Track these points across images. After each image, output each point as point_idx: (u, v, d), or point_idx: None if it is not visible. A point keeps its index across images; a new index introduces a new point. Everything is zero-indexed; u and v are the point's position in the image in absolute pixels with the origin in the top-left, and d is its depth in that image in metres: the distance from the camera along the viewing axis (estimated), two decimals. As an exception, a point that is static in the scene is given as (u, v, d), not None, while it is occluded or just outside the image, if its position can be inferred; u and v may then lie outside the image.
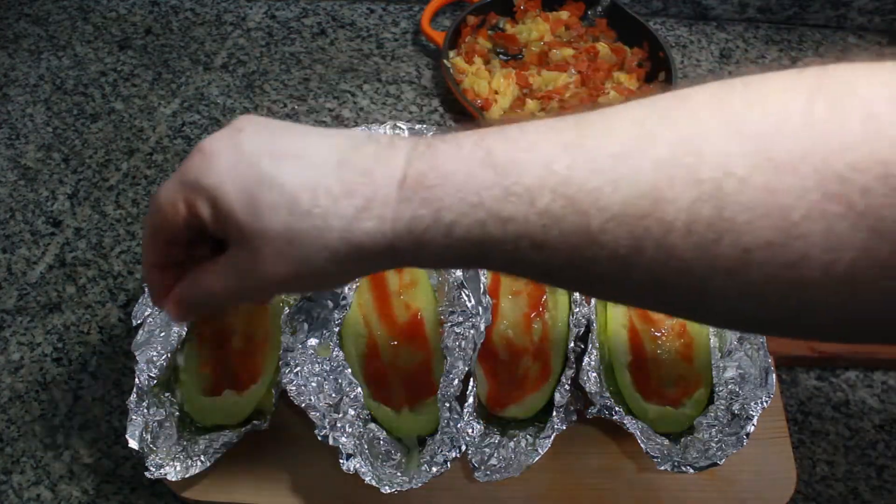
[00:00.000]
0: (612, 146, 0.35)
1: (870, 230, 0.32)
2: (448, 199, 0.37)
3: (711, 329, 0.66)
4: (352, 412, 0.59)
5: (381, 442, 0.60)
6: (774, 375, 0.60)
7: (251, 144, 0.41)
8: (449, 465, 0.57)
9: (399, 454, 0.59)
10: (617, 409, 0.59)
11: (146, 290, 0.64)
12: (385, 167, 0.39)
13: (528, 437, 0.61)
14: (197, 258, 0.45)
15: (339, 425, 0.57)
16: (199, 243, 0.45)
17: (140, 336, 0.61)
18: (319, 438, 0.56)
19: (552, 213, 0.35)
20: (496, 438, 0.61)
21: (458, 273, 0.64)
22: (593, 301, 0.65)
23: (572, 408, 0.60)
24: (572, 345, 0.62)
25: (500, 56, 0.94)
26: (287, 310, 0.66)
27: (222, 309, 0.45)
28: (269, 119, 0.43)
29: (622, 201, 0.34)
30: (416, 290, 0.68)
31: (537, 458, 0.57)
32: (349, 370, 0.62)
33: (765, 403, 0.58)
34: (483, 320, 0.62)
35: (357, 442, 0.57)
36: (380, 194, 0.38)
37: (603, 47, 0.92)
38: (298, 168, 0.39)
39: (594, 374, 0.60)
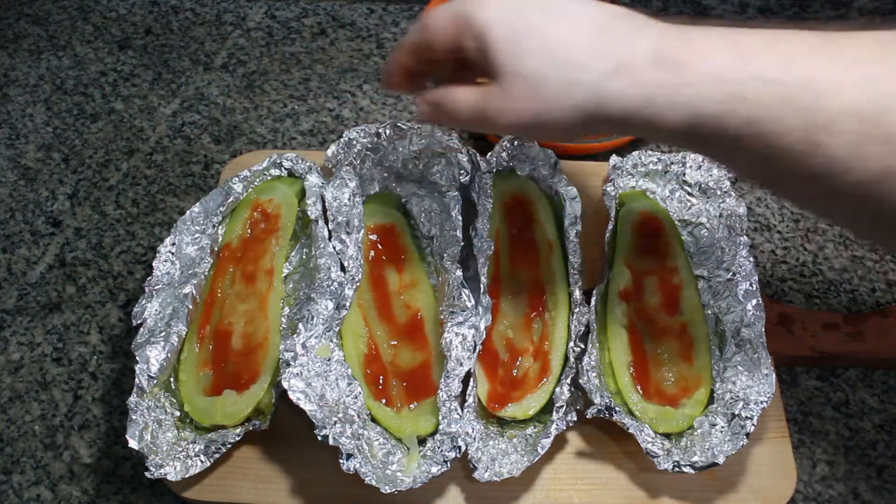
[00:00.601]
0: (854, 54, 0.38)
1: None
2: (692, 74, 0.41)
3: (711, 329, 0.66)
4: (352, 412, 0.59)
5: (381, 442, 0.60)
6: (774, 375, 0.60)
7: None
8: (449, 465, 0.57)
9: (399, 454, 0.59)
10: (617, 409, 0.59)
11: (146, 290, 0.64)
12: (639, 38, 0.44)
13: (528, 437, 0.61)
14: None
15: (339, 425, 0.57)
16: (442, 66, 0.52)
17: (140, 336, 0.61)
18: (319, 438, 0.56)
19: (785, 103, 0.38)
20: (496, 438, 0.61)
21: (458, 273, 0.64)
22: (593, 301, 0.65)
23: (572, 408, 0.60)
24: (572, 345, 0.62)
25: (501, 56, 0.94)
26: (287, 310, 0.66)
27: (458, 126, 0.56)
28: None
29: (854, 102, 0.37)
30: (416, 290, 0.68)
31: (537, 459, 0.57)
32: (349, 370, 0.62)
33: (765, 403, 0.58)
34: (483, 320, 0.62)
35: (357, 442, 0.57)
36: (631, 60, 0.43)
37: (603, 47, 0.92)
38: (561, 24, 0.45)
39: (594, 374, 0.60)
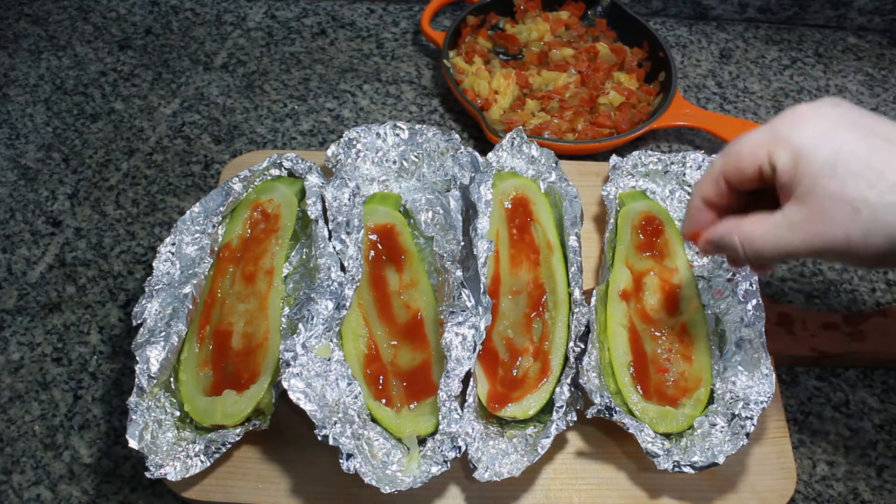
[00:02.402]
0: None
1: None
2: None
3: (711, 329, 0.66)
4: (352, 412, 0.59)
5: (381, 442, 0.60)
6: (774, 375, 0.60)
7: (844, 117, 0.45)
8: (449, 465, 0.57)
9: (399, 454, 0.59)
10: (617, 409, 0.59)
11: (146, 290, 0.64)
12: None
13: (528, 437, 0.61)
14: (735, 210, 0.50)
15: (339, 425, 0.57)
16: (747, 200, 0.50)
17: (140, 336, 0.61)
18: (319, 438, 0.56)
19: None
20: (496, 438, 0.61)
21: (458, 273, 0.64)
22: (593, 301, 0.65)
23: (572, 408, 0.60)
24: (572, 345, 0.62)
25: (500, 56, 0.94)
26: (287, 310, 0.66)
27: (756, 259, 0.51)
28: (855, 105, 0.47)
29: None
30: (416, 290, 0.68)
31: (537, 458, 0.57)
32: (349, 370, 0.62)
33: (765, 403, 0.58)
34: (483, 320, 0.62)
35: (357, 442, 0.57)
36: None
37: (603, 47, 0.92)
38: (887, 147, 0.43)
39: (594, 374, 0.60)
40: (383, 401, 0.62)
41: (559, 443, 0.62)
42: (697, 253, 0.67)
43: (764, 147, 0.47)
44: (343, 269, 0.65)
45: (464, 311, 0.62)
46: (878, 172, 0.42)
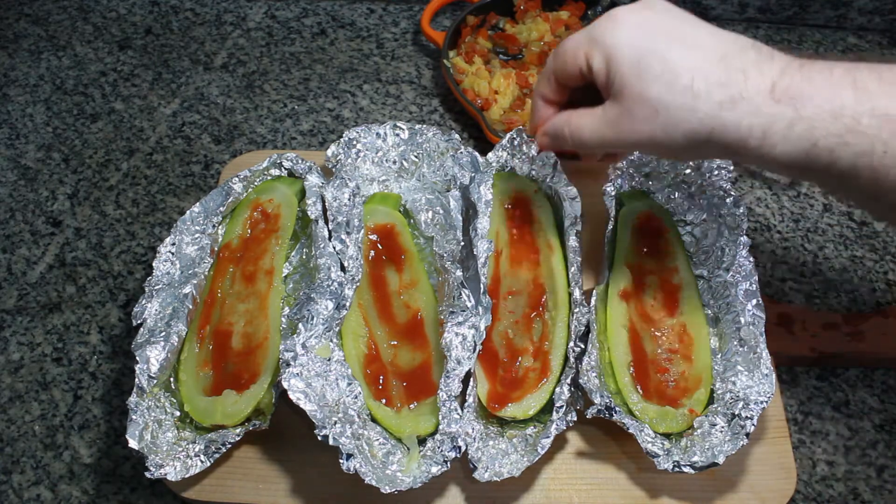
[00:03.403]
0: None
1: None
2: (808, 109, 0.43)
3: (711, 329, 0.66)
4: (352, 412, 0.59)
5: (381, 442, 0.60)
6: (774, 375, 0.60)
7: (653, 21, 0.49)
8: (449, 465, 0.57)
9: (399, 454, 0.59)
10: (617, 409, 0.59)
11: (146, 290, 0.64)
12: (759, 72, 0.45)
13: (528, 437, 0.61)
14: (574, 104, 0.55)
15: (339, 425, 0.57)
16: (580, 93, 0.54)
17: (140, 336, 0.61)
18: (319, 438, 0.56)
19: None
20: (496, 438, 0.61)
21: (458, 273, 0.64)
22: (593, 301, 0.65)
23: (572, 408, 0.60)
24: (572, 345, 0.62)
25: (500, 56, 0.94)
26: (287, 310, 0.66)
27: (580, 149, 0.58)
28: (672, 5, 0.51)
29: None
30: (416, 290, 0.68)
31: (537, 458, 0.57)
32: (349, 370, 0.62)
33: (765, 403, 0.58)
34: (483, 320, 0.62)
35: (357, 442, 0.57)
36: (749, 93, 0.45)
37: (603, 47, 0.92)
38: (687, 52, 0.47)
39: (594, 374, 0.60)
40: (383, 401, 0.62)
41: (559, 443, 0.62)
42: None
43: (582, 49, 0.51)
44: (343, 269, 0.65)
45: (464, 311, 0.62)
46: (674, 75, 0.46)
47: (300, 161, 0.73)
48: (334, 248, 0.65)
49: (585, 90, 0.55)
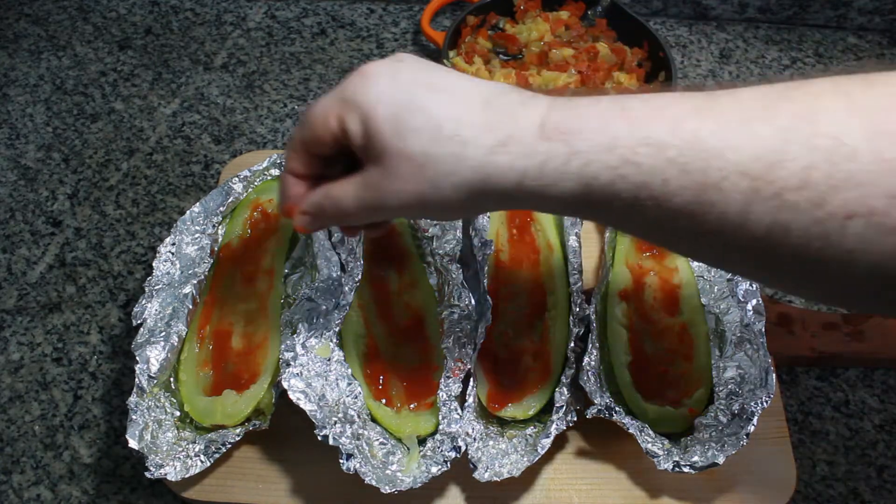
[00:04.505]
0: (738, 113, 0.38)
1: None
2: (583, 143, 0.40)
3: (711, 329, 0.66)
4: (352, 412, 0.59)
5: (381, 442, 0.60)
6: (774, 375, 0.60)
7: (408, 74, 0.45)
8: (449, 465, 0.57)
9: (399, 454, 0.59)
10: (617, 409, 0.59)
11: (146, 290, 0.64)
12: (527, 110, 0.42)
13: (528, 437, 0.61)
14: (330, 176, 0.49)
15: (339, 425, 0.57)
16: (335, 163, 0.49)
17: (140, 336, 0.61)
18: (319, 438, 0.56)
19: (676, 165, 0.38)
20: (496, 438, 0.61)
21: (458, 273, 0.64)
22: (593, 301, 0.65)
23: (572, 408, 0.60)
24: (572, 345, 0.62)
25: (500, 56, 0.94)
26: (287, 310, 0.66)
27: (345, 222, 0.52)
28: (425, 59, 0.47)
29: (740, 161, 0.37)
30: (416, 290, 0.68)
31: (537, 458, 0.57)
32: (349, 370, 0.62)
33: (765, 403, 0.58)
34: (483, 320, 0.62)
35: (357, 442, 0.57)
36: (519, 132, 0.42)
37: (603, 47, 0.92)
38: (447, 101, 0.44)
39: (594, 374, 0.60)
40: (383, 401, 0.62)
41: (559, 443, 0.62)
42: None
43: (334, 113, 0.46)
44: (343, 269, 0.65)
45: (463, 311, 0.62)
46: (437, 125, 0.43)
47: (300, 161, 0.73)
48: (334, 248, 0.65)
49: (340, 159, 0.50)
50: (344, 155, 0.48)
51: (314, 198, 0.49)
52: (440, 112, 0.43)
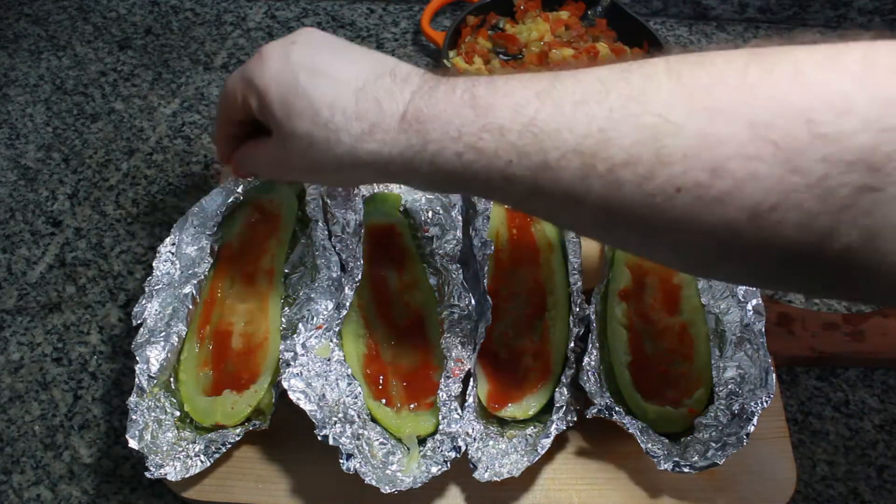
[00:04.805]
0: (575, 95, 0.41)
1: (792, 171, 0.35)
2: (434, 133, 0.44)
3: (711, 329, 0.66)
4: (352, 412, 0.59)
5: (381, 442, 0.60)
6: (774, 375, 0.60)
7: (297, 56, 0.49)
8: (449, 465, 0.57)
9: (399, 454, 0.59)
10: (617, 409, 0.59)
11: (146, 290, 0.64)
12: (392, 100, 0.46)
13: (528, 437, 0.61)
14: (254, 133, 0.56)
15: (339, 425, 0.57)
16: (254, 123, 0.55)
17: (140, 336, 0.61)
18: (319, 438, 0.56)
19: (518, 148, 0.42)
20: (496, 438, 0.61)
21: (458, 273, 0.64)
22: (593, 301, 0.65)
23: (572, 408, 0.60)
24: (572, 345, 0.62)
25: (500, 56, 0.94)
26: (287, 310, 0.66)
27: (266, 178, 0.62)
28: (322, 34, 0.52)
29: (575, 140, 0.40)
30: (416, 290, 0.68)
31: (537, 458, 0.57)
32: (349, 370, 0.62)
33: (765, 403, 0.58)
34: (483, 320, 0.62)
35: (357, 442, 0.57)
36: (383, 122, 0.46)
37: (603, 47, 0.92)
38: (326, 86, 0.48)
39: (594, 374, 0.60)
40: (383, 401, 0.62)
41: (559, 443, 0.62)
42: None
43: (239, 91, 0.52)
44: (343, 269, 0.65)
45: (464, 311, 0.62)
46: (315, 111, 0.47)
47: (300, 161, 0.73)
48: (334, 248, 0.65)
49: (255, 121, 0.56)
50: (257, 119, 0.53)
51: (240, 155, 0.58)
52: (319, 98, 0.47)
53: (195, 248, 0.67)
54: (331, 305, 0.62)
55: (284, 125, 0.49)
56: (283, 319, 0.65)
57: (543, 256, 0.70)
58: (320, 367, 0.60)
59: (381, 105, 0.46)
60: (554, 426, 0.58)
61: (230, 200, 0.70)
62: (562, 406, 0.59)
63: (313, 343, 0.60)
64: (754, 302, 0.63)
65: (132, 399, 0.58)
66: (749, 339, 0.62)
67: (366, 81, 0.48)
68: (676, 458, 0.57)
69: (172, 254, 0.66)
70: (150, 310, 0.63)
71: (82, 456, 0.65)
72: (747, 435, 0.57)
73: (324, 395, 0.58)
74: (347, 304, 0.63)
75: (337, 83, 0.48)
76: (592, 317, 0.64)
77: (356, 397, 0.60)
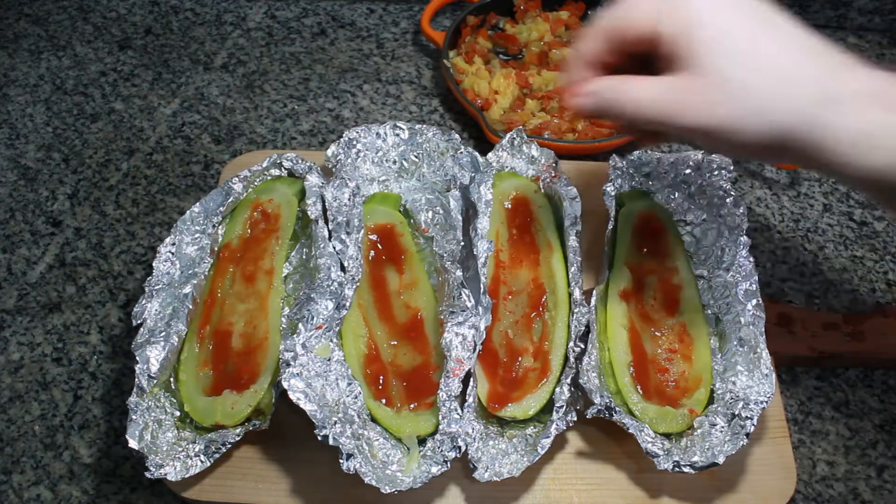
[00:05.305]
0: None
1: None
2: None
3: (711, 329, 0.66)
4: (352, 412, 0.59)
5: (381, 442, 0.60)
6: (774, 375, 0.60)
7: None
8: (449, 465, 0.57)
9: (399, 454, 0.59)
10: (617, 409, 0.59)
11: (146, 290, 0.64)
12: (853, 73, 0.43)
13: (528, 437, 0.61)
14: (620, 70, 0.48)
15: (339, 425, 0.57)
16: (628, 61, 0.48)
17: (140, 336, 0.61)
18: (319, 438, 0.56)
19: None
20: (496, 438, 0.61)
21: (458, 273, 0.64)
22: (593, 301, 0.65)
23: (572, 408, 0.60)
24: (572, 345, 0.62)
25: (500, 56, 0.94)
26: (287, 310, 0.66)
27: (627, 118, 0.48)
28: None
29: None
30: (416, 290, 0.68)
31: (537, 458, 0.57)
32: (349, 370, 0.62)
33: (765, 403, 0.58)
34: (483, 320, 0.62)
35: (357, 442, 0.57)
36: (847, 93, 0.41)
37: (603, 47, 0.92)
38: (775, 37, 0.43)
39: (594, 374, 0.60)
40: (383, 401, 0.62)
41: (559, 443, 0.62)
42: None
43: (654, 11, 0.45)
44: (343, 269, 0.65)
45: (464, 311, 0.62)
46: (764, 58, 0.42)
47: (300, 161, 0.73)
48: (334, 248, 0.65)
49: (625, 59, 0.49)
50: (636, 59, 0.47)
51: (603, 84, 0.48)
52: (769, 47, 0.42)
53: (195, 248, 0.67)
54: (331, 305, 0.62)
55: (714, 62, 0.42)
56: (283, 319, 0.65)
57: (543, 256, 0.70)
58: (320, 367, 0.60)
59: (845, 75, 0.43)
60: (554, 426, 0.58)
61: (230, 200, 0.70)
62: (562, 406, 0.59)
63: (313, 343, 0.60)
64: (754, 302, 0.63)
65: (132, 399, 0.58)
66: (749, 339, 0.62)
67: (817, 47, 0.44)
68: (676, 458, 0.57)
69: (172, 254, 0.66)
70: (150, 310, 0.63)
71: (82, 456, 0.65)
72: (747, 435, 0.57)
73: (324, 395, 0.58)
74: (347, 304, 0.63)
75: (789, 37, 0.43)
76: (592, 317, 0.64)
77: (356, 397, 0.60)
